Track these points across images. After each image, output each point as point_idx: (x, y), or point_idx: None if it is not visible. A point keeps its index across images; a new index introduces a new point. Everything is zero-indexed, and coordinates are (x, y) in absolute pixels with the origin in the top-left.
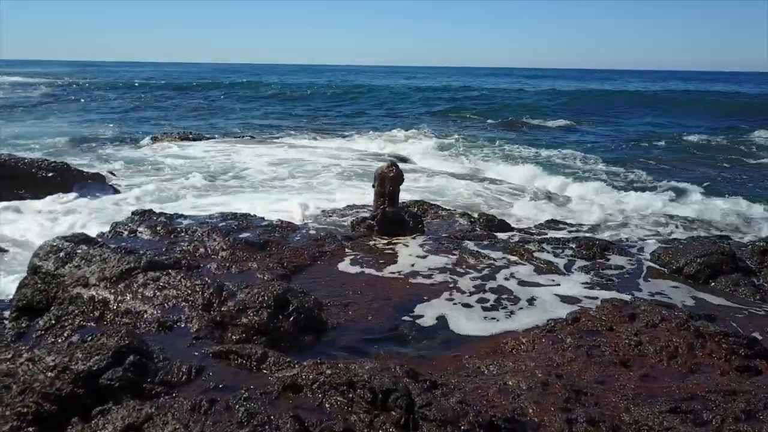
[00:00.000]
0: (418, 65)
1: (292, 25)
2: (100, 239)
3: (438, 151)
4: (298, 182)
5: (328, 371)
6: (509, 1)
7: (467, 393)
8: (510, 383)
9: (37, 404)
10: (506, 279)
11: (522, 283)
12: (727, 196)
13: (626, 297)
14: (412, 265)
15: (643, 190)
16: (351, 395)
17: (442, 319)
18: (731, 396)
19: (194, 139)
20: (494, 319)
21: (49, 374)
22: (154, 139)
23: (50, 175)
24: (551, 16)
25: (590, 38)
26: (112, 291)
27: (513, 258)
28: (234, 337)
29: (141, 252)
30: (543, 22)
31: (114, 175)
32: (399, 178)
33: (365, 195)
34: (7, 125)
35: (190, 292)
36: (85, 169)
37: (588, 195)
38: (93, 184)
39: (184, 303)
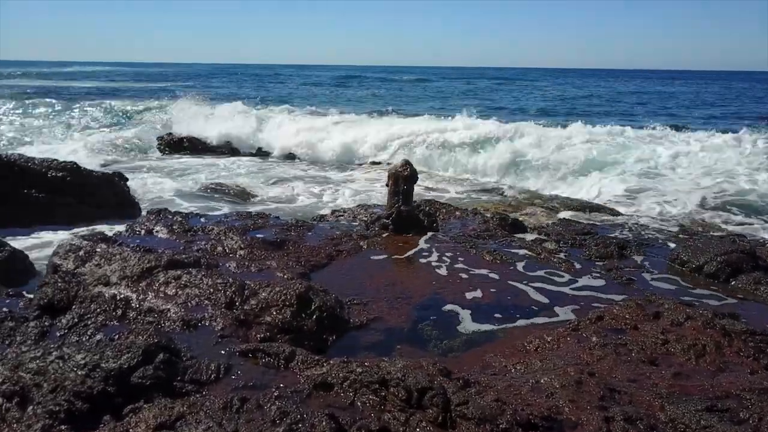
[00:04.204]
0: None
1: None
2: (117, 238)
3: None
4: None
5: (359, 369)
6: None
7: (500, 391)
8: (542, 381)
9: (69, 402)
10: (525, 277)
11: (541, 281)
12: None
13: (647, 295)
14: (430, 264)
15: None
16: (384, 393)
17: (462, 318)
18: (767, 394)
19: None
20: (515, 317)
21: (80, 372)
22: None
23: (60, 174)
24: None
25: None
26: (134, 290)
27: (530, 256)
28: (258, 335)
29: (160, 250)
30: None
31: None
32: (413, 176)
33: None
34: None
35: (212, 290)
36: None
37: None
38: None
39: (206, 301)
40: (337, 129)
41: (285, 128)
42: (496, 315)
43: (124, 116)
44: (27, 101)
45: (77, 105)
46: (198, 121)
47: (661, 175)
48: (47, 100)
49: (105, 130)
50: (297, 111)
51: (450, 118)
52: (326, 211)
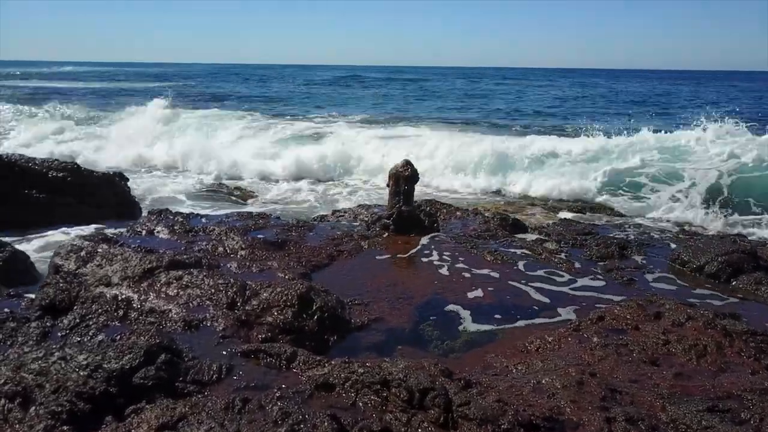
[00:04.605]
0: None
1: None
2: (118, 238)
3: None
4: None
5: (360, 370)
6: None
7: (502, 392)
8: (544, 382)
9: (71, 403)
10: (525, 277)
11: (541, 281)
12: None
13: (648, 296)
14: (431, 264)
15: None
16: (385, 394)
17: (463, 318)
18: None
19: None
20: (516, 318)
21: (82, 373)
22: None
23: (61, 175)
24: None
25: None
26: (135, 290)
27: (531, 257)
28: (259, 336)
29: (161, 251)
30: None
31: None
32: (414, 176)
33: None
34: None
35: (213, 290)
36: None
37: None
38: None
39: (208, 302)
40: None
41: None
42: (498, 315)
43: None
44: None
45: (44, 106)
46: (141, 141)
47: (667, 169)
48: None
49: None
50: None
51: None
52: (327, 211)
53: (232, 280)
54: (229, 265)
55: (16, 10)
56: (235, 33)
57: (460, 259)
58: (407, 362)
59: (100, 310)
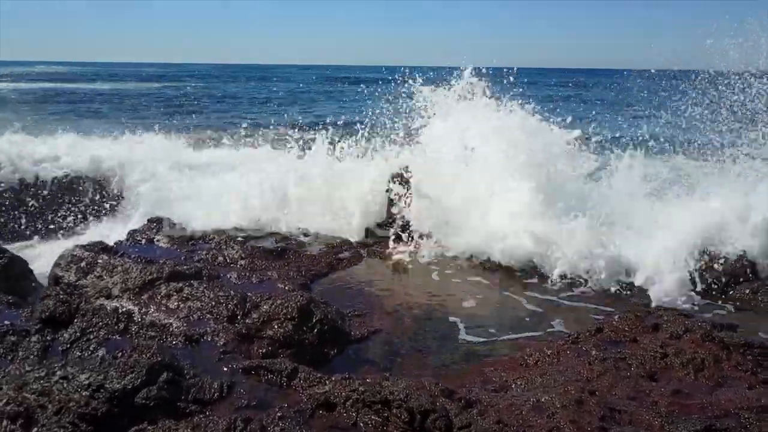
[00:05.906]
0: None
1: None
2: (118, 247)
3: None
4: None
5: (361, 388)
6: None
7: (502, 411)
8: (543, 400)
9: (74, 425)
10: (524, 288)
11: (540, 292)
12: None
13: (645, 306)
14: (430, 274)
15: None
16: (386, 414)
17: (462, 330)
18: (765, 413)
19: None
20: (514, 329)
21: (84, 393)
22: None
23: None
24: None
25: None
26: (136, 303)
27: (530, 266)
28: (260, 350)
29: (161, 261)
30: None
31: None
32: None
33: None
34: None
35: (214, 303)
36: None
37: None
38: None
39: (208, 315)
40: None
41: None
42: (496, 327)
43: None
44: None
45: None
46: None
47: None
48: None
49: None
50: None
51: None
52: None
53: (232, 292)
54: (228, 276)
55: (16, 9)
56: (234, 33)
57: (460, 268)
58: (408, 381)
59: (100, 324)
